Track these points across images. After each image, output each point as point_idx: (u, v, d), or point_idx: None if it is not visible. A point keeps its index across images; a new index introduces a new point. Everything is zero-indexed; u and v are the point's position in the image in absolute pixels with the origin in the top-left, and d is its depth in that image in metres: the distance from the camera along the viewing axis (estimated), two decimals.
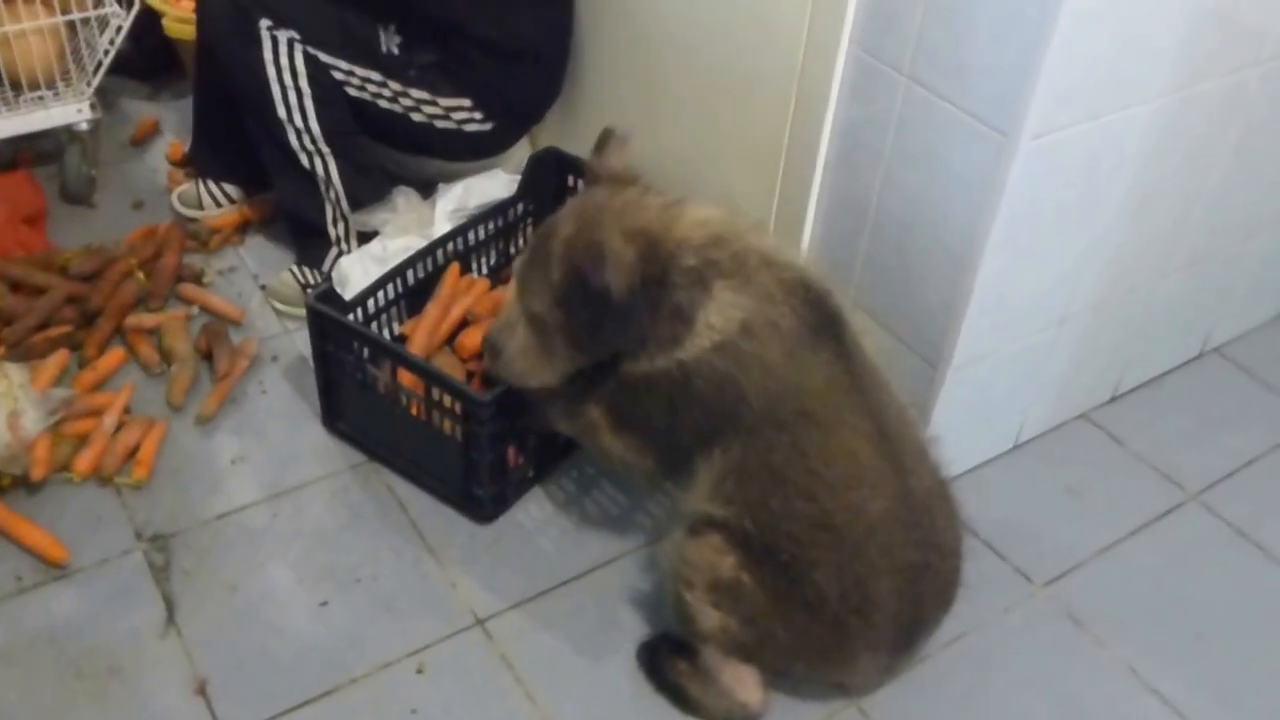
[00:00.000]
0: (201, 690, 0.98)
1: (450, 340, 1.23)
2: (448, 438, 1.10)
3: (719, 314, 0.86)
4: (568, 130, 1.47)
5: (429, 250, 1.26)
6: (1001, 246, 1.01)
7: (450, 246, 1.29)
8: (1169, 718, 1.01)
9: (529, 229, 1.37)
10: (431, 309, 1.23)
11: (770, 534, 0.87)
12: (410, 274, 1.25)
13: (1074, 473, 1.25)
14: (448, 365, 1.19)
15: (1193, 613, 1.11)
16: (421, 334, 1.21)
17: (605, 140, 0.95)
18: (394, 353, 1.13)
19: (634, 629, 1.05)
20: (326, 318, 1.14)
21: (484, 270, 1.35)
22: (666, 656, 0.99)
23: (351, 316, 1.17)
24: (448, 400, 1.08)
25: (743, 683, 0.94)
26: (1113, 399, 1.34)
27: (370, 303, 1.21)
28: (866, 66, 1.05)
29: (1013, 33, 0.90)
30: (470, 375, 1.20)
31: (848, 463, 0.86)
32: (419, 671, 1.01)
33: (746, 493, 0.88)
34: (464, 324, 1.24)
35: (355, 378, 1.16)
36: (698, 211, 0.91)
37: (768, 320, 0.86)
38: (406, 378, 1.12)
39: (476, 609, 1.06)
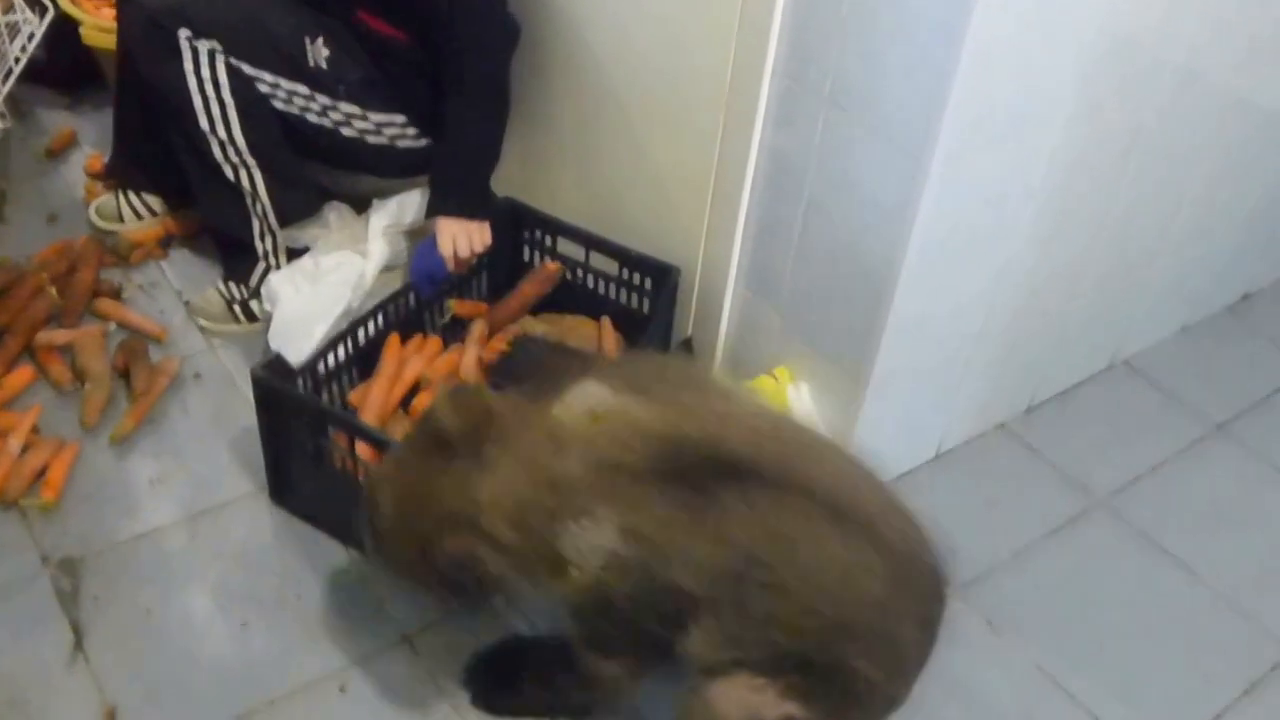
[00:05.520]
0: None
1: (405, 404, 1.15)
2: None
3: (583, 544, 0.80)
4: (503, 160, 1.45)
5: (380, 308, 1.19)
6: (917, 268, 1.06)
7: (403, 302, 1.21)
8: (1078, 716, 1.06)
9: (484, 282, 1.33)
10: (378, 383, 1.15)
11: (792, 653, 0.82)
12: (360, 333, 1.17)
13: (992, 481, 1.30)
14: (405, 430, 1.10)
15: (1100, 614, 1.16)
16: (373, 403, 1.13)
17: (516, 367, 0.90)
18: (357, 428, 1.03)
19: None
20: (281, 392, 1.04)
21: (437, 329, 1.27)
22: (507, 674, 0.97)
23: (300, 382, 1.08)
24: None
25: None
26: (1028, 410, 1.40)
27: (319, 366, 1.11)
28: (789, 92, 1.08)
29: (921, 70, 0.95)
30: None
31: (826, 567, 0.82)
32: (341, 690, 0.99)
33: (747, 636, 0.82)
34: (416, 388, 1.17)
35: (306, 450, 1.06)
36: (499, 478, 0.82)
37: (635, 520, 0.79)
38: (364, 450, 1.02)
39: (404, 625, 1.05)
